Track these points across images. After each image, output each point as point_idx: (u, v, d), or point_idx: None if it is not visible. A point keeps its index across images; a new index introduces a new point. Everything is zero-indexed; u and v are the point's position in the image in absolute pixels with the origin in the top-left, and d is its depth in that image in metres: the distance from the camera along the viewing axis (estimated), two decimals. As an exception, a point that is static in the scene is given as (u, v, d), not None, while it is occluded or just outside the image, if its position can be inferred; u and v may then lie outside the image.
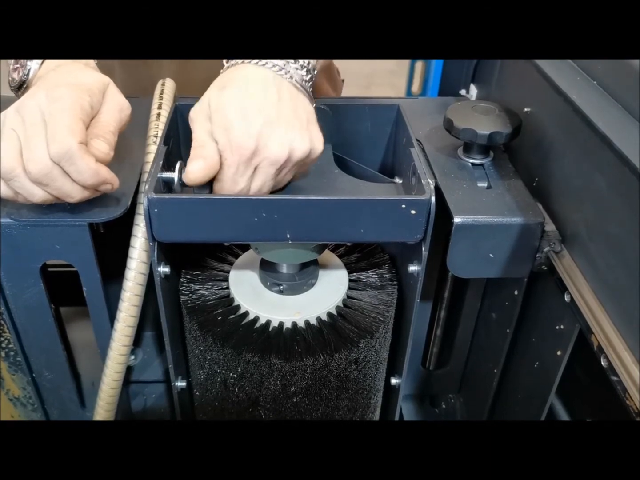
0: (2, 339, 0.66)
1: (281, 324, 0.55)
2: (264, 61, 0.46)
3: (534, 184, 0.57)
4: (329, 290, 0.58)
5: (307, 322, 0.55)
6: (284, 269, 0.57)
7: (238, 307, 0.57)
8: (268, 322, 0.55)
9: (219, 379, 0.57)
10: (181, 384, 0.62)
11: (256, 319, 0.56)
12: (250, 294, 0.57)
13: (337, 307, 0.57)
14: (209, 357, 0.56)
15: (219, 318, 0.55)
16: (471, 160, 0.58)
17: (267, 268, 0.57)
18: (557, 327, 0.55)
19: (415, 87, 2.01)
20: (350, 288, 0.59)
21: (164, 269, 0.51)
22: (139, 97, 0.62)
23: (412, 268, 0.54)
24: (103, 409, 0.61)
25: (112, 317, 0.56)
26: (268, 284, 0.57)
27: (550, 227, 0.53)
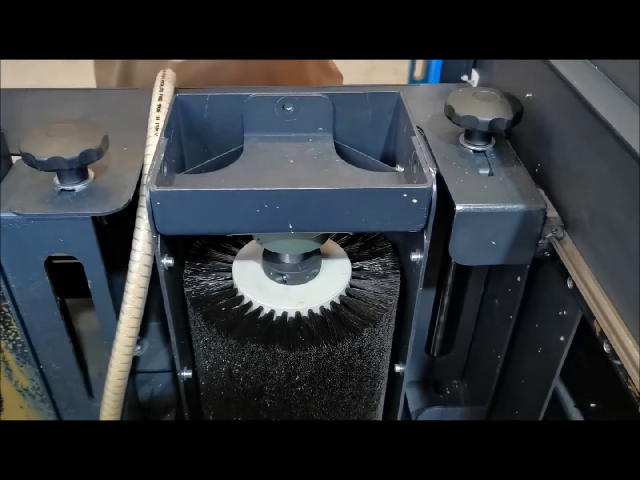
0: (10, 331, 0.67)
1: (285, 314, 0.56)
2: None
3: (536, 170, 0.57)
4: (332, 280, 0.58)
5: (310, 312, 0.56)
6: (287, 259, 0.57)
7: (242, 297, 0.57)
8: (272, 312, 0.56)
9: (224, 369, 0.57)
10: (187, 373, 0.63)
11: (260, 309, 0.56)
12: (254, 284, 0.57)
13: (340, 297, 0.57)
14: (213, 348, 0.56)
15: (223, 309, 0.56)
16: (473, 147, 0.58)
17: (270, 258, 0.58)
18: (559, 313, 0.55)
19: (418, 72, 1.99)
20: (353, 277, 0.59)
21: (168, 261, 0.52)
22: (137, 88, 0.62)
23: (415, 256, 0.54)
24: (110, 399, 0.61)
25: (118, 309, 0.57)
26: (271, 274, 0.58)
27: (552, 213, 0.53)
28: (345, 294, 0.58)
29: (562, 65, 0.51)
